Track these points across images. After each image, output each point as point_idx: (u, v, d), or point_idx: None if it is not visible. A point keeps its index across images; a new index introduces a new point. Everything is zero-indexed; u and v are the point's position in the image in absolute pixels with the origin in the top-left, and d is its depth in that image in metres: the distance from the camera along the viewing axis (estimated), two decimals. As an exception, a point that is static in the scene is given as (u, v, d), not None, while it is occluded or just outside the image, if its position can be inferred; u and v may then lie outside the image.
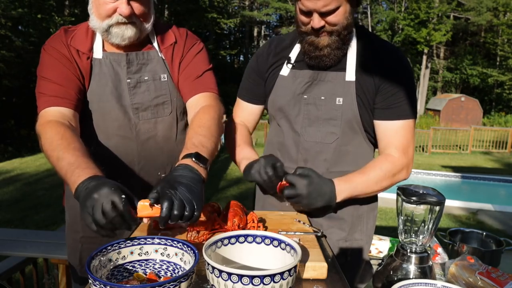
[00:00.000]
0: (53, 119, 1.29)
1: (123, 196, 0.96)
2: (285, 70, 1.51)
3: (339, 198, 1.37)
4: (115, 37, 1.40)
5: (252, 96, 1.63)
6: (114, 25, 1.37)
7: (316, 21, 1.31)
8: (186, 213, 1.00)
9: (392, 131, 1.43)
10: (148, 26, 1.45)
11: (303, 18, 1.36)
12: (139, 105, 1.48)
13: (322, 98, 1.45)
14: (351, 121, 1.44)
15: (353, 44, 1.44)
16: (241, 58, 36.02)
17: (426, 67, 30.55)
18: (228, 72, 29.21)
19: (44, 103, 1.35)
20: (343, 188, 1.37)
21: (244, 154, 1.50)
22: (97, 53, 1.45)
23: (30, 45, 13.37)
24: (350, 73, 1.43)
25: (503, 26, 28.73)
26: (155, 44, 1.52)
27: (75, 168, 1.10)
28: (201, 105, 1.46)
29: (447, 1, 28.34)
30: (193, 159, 1.16)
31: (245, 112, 1.67)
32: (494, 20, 28.85)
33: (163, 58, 1.52)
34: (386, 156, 1.43)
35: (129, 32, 1.39)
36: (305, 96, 1.47)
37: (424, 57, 30.29)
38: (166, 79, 1.51)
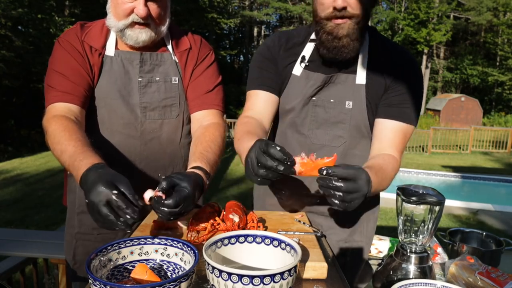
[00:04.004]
0: (59, 114, 1.32)
1: (115, 191, 0.97)
2: (298, 69, 1.44)
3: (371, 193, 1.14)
4: (129, 39, 1.42)
5: (269, 83, 1.46)
6: (129, 27, 1.39)
7: (340, 0, 1.21)
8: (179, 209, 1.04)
9: (392, 132, 1.38)
10: (164, 29, 1.46)
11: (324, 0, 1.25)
12: (147, 104, 1.50)
13: (332, 101, 1.41)
14: (359, 125, 1.41)
15: (365, 46, 1.40)
16: (241, 58, 36.01)
17: (426, 67, 30.55)
18: (228, 72, 29.21)
19: (52, 98, 1.37)
20: (374, 182, 1.15)
21: (244, 147, 1.20)
22: (110, 50, 1.46)
23: (30, 45, 13.35)
24: (361, 76, 1.39)
25: (503, 26, 28.72)
26: (169, 47, 1.54)
27: (74, 161, 1.14)
28: (209, 121, 1.51)
29: (447, 1, 28.34)
30: (205, 176, 1.24)
31: (260, 102, 1.46)
32: (494, 20, 28.84)
33: (177, 61, 1.54)
34: (393, 157, 1.36)
35: (143, 36, 1.41)
36: (314, 98, 1.42)
37: (424, 57, 30.28)
38: (177, 82, 1.54)
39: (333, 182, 1.01)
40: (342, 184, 1.01)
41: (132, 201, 0.98)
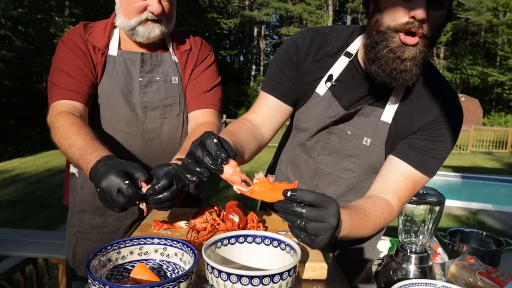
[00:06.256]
0: (64, 110, 1.34)
1: (127, 182, 1.01)
2: (322, 87, 1.26)
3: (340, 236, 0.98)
4: (141, 36, 1.44)
5: (284, 90, 1.30)
6: (141, 24, 1.41)
7: (422, 10, 0.99)
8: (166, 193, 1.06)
9: (401, 176, 1.20)
10: (171, 26, 1.49)
11: (399, 7, 1.04)
12: (148, 103, 1.52)
13: (349, 133, 1.28)
14: (374, 163, 1.29)
15: None
16: (241, 58, 36.03)
17: (426, 67, 30.53)
18: (228, 72, 29.23)
19: (57, 95, 1.39)
20: (347, 223, 0.98)
21: None
22: (113, 50, 1.49)
23: (30, 45, 13.37)
24: (389, 112, 1.22)
25: (503, 26, 28.74)
26: (170, 48, 1.56)
27: (84, 154, 1.16)
28: (204, 119, 1.52)
29: (447, 1, 28.33)
30: None
31: (267, 109, 1.32)
32: (494, 20, 28.87)
33: (176, 61, 1.56)
34: (388, 205, 1.16)
35: (155, 31, 1.43)
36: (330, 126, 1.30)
37: (424, 57, 30.26)
38: (176, 82, 1.56)
39: (295, 207, 0.85)
40: (304, 210, 0.85)
41: (132, 196, 1.02)
